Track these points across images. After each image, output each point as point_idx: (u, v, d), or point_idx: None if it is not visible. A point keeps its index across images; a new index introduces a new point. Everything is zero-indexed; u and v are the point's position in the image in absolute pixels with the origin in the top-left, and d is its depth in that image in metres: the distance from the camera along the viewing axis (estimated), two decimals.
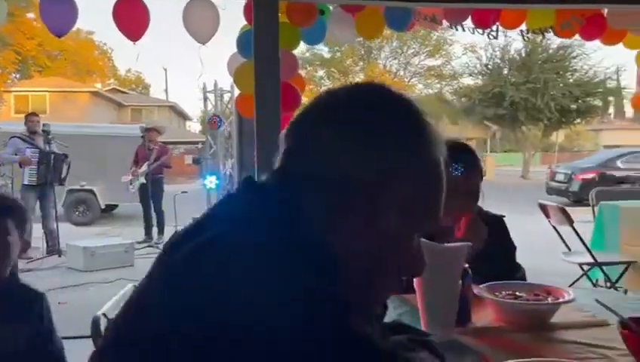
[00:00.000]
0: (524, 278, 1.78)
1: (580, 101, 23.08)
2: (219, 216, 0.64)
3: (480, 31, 4.29)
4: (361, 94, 0.69)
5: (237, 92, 4.25)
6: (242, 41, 3.90)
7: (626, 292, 4.06)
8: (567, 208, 10.62)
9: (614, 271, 3.91)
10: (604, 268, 3.81)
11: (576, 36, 4.62)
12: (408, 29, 4.45)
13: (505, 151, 37.77)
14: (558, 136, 25.22)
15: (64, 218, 9.67)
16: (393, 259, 0.66)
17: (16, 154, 6.58)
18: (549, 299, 1.36)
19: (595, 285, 4.04)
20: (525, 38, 4.35)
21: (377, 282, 0.66)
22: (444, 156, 0.70)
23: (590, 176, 12.83)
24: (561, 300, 1.34)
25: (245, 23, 3.91)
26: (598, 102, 23.90)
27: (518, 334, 1.26)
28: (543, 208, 4.13)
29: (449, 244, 1.23)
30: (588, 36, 4.61)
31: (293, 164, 0.67)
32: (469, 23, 4.30)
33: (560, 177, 13.62)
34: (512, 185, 19.60)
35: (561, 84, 23.08)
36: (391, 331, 0.85)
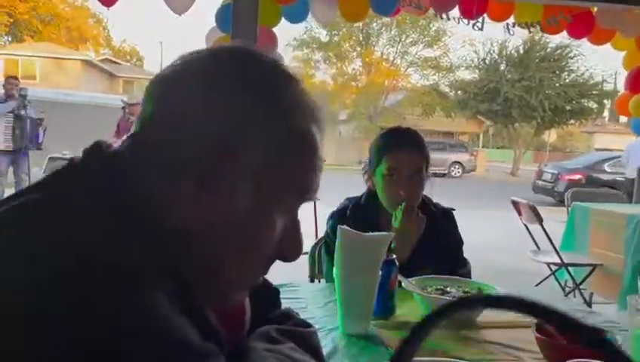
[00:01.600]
0: (468, 274, 1.73)
1: (574, 102, 23.12)
2: (42, 183, 0.58)
3: (465, 21, 4.22)
4: (218, 56, 0.63)
5: None
6: (221, 16, 3.80)
7: (591, 294, 4.05)
8: (552, 208, 10.58)
9: (584, 273, 3.89)
10: (570, 269, 3.78)
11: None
12: (393, 15, 4.37)
13: (498, 148, 37.87)
14: (550, 136, 25.25)
15: None
16: (250, 238, 0.60)
17: None
18: None
19: (562, 286, 4.02)
20: (510, 31, 4.27)
21: (226, 263, 0.60)
22: (316, 127, 0.63)
23: (576, 177, 12.87)
24: None
25: None
26: (592, 104, 23.92)
27: (439, 330, 1.21)
28: (515, 205, 4.09)
29: (369, 234, 1.17)
30: (575, 34, 4.55)
31: (141, 129, 0.61)
32: (455, 12, 4.23)
33: (547, 176, 13.63)
34: (499, 181, 19.64)
35: (556, 84, 23.09)
36: (273, 320, 0.79)
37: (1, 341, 0.44)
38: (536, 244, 4.13)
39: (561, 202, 11.94)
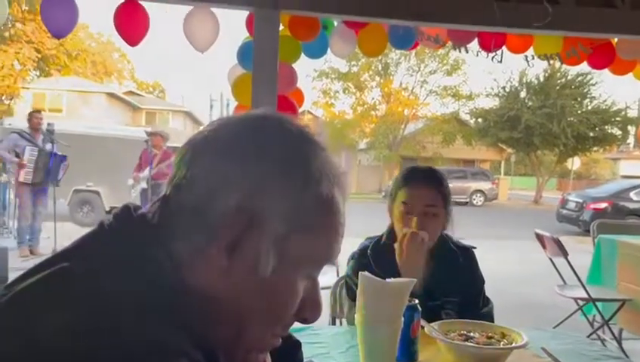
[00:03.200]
0: (490, 314, 1.71)
1: (597, 128, 22.86)
2: (73, 250, 0.59)
3: (484, 54, 4.24)
4: (246, 125, 0.64)
5: None
6: (242, 52, 3.88)
7: (620, 330, 3.93)
8: (578, 237, 10.34)
9: (612, 307, 3.78)
10: (598, 304, 3.68)
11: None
12: (412, 49, 4.41)
13: (520, 175, 37.48)
14: (574, 163, 24.94)
15: (68, 217, 9.74)
16: (272, 303, 0.61)
17: (16, 153, 6.43)
18: (502, 343, 1.28)
19: (590, 322, 3.91)
20: (530, 63, 4.27)
21: (248, 325, 0.60)
22: (340, 193, 0.64)
23: (602, 206, 12.62)
24: (513, 345, 1.26)
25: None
26: (616, 131, 23.60)
27: None
28: (539, 238, 4.02)
29: (391, 280, 1.16)
30: (596, 65, 4.52)
31: (171, 192, 0.63)
32: (473, 45, 4.25)
33: (571, 205, 13.39)
34: (522, 210, 19.37)
35: (578, 111, 22.88)
36: None
37: None
38: (562, 278, 4.04)
39: (587, 231, 11.73)
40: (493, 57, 4.25)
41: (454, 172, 20.59)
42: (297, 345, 0.84)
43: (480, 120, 25.17)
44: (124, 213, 0.62)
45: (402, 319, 1.17)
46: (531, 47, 4.32)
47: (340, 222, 0.64)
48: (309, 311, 0.65)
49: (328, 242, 0.63)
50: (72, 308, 0.50)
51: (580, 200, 13.08)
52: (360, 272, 1.15)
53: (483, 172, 23.45)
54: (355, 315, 1.18)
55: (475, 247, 1.78)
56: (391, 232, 1.74)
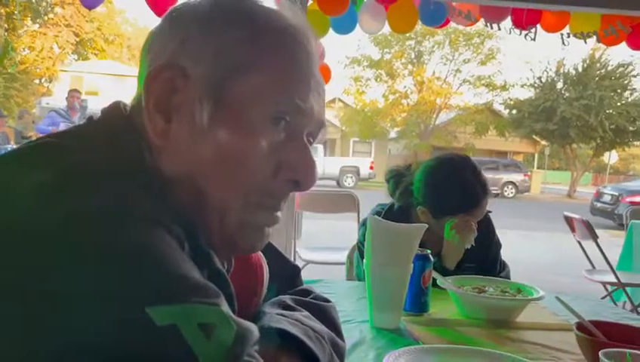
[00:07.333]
0: (508, 277, 1.67)
1: (637, 122, 22.11)
2: (60, 132, 0.59)
3: (517, 32, 4.13)
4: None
5: None
6: None
7: None
8: (612, 231, 10.02)
9: None
10: (628, 290, 3.57)
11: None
12: (442, 26, 4.32)
13: (555, 169, 36.66)
14: (611, 157, 24.17)
15: None
16: (232, 156, 0.56)
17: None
18: (517, 297, 1.25)
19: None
20: (565, 42, 4.13)
21: (210, 188, 0.56)
22: (297, 38, 0.59)
23: (639, 199, 12.22)
24: (528, 297, 1.22)
25: None
26: None
27: (472, 328, 1.16)
28: (568, 221, 3.91)
29: (401, 224, 1.13)
30: (635, 45, 4.35)
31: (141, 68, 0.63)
32: (506, 22, 4.14)
33: (606, 198, 13.01)
34: (553, 203, 18.94)
35: (617, 103, 22.14)
36: (293, 293, 0.77)
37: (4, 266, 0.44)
38: (591, 263, 3.94)
39: (621, 226, 11.38)
40: (526, 35, 4.14)
41: (486, 163, 20.24)
42: (296, 269, 0.82)
43: (514, 111, 24.62)
44: (112, 107, 0.62)
45: (412, 265, 1.15)
46: (567, 26, 4.19)
47: (293, 53, 0.58)
48: (294, 171, 0.59)
49: (278, 73, 0.57)
50: (47, 170, 0.50)
51: (616, 193, 12.69)
52: (369, 216, 1.13)
53: (515, 163, 22.99)
54: (364, 260, 1.16)
55: (490, 211, 1.73)
56: (403, 197, 1.71)
